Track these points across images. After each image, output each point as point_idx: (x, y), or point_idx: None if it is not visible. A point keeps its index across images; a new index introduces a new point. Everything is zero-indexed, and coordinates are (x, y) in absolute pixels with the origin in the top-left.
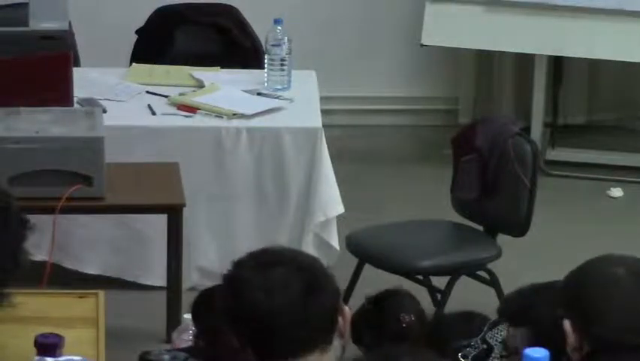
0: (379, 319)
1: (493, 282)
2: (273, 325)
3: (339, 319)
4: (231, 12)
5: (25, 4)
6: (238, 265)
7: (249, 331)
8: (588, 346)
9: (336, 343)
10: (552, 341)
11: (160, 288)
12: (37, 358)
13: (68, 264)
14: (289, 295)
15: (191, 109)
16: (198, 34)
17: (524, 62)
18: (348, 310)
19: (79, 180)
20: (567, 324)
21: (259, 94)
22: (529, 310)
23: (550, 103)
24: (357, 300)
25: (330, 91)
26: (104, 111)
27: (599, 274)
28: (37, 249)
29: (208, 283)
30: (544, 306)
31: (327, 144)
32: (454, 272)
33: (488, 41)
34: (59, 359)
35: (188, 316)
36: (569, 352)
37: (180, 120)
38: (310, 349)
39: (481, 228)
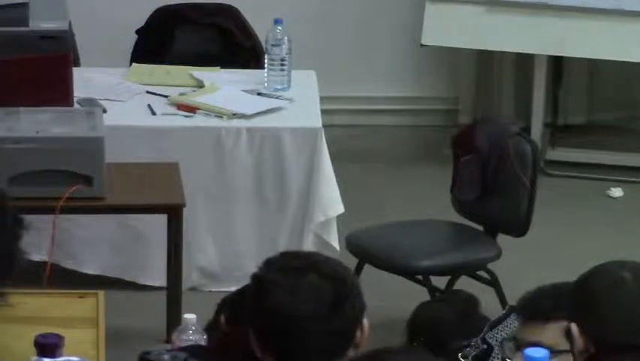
0: None
1: (493, 282)
2: (294, 330)
3: (358, 332)
4: (231, 12)
5: (25, 4)
6: (268, 264)
7: (271, 333)
8: (593, 348)
9: (351, 353)
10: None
11: (160, 288)
12: (36, 358)
13: (68, 264)
14: (316, 305)
15: (191, 109)
16: (198, 34)
17: (524, 62)
18: (367, 324)
19: (79, 180)
20: (574, 327)
21: (259, 94)
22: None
23: (550, 103)
24: None
25: (330, 91)
26: (104, 111)
27: (606, 278)
28: (37, 249)
29: (208, 283)
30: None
31: (327, 144)
32: (454, 272)
33: (488, 41)
34: (59, 359)
35: (188, 316)
36: (575, 355)
37: (180, 120)
38: (329, 359)
39: (481, 228)
